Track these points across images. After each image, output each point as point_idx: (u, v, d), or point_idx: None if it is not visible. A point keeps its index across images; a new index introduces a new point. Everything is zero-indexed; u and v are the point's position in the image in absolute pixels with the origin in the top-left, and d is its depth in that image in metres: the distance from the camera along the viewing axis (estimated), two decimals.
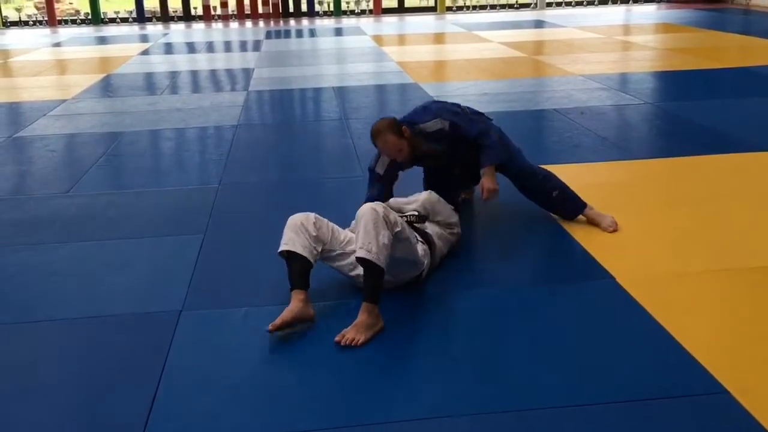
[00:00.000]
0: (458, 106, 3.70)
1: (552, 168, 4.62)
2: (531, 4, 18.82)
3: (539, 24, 14.39)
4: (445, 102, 3.80)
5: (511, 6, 18.96)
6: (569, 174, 4.49)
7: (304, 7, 17.60)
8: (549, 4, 18.56)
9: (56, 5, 17.54)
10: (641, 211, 3.86)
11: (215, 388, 2.38)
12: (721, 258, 3.26)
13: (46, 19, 17.25)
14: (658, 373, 2.39)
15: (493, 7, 18.86)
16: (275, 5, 17.24)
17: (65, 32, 15.42)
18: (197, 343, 2.66)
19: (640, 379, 2.36)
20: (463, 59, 9.66)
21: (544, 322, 2.74)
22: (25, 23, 17.46)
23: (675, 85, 7.64)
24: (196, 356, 2.57)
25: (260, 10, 17.26)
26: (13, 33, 15.73)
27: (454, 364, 2.48)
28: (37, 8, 18.60)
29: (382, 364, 2.50)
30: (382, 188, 3.53)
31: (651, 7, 17.72)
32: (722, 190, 4.14)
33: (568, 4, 18.83)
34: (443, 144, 3.52)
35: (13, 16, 17.84)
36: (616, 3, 18.90)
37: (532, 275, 3.20)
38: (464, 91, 7.25)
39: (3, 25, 17.05)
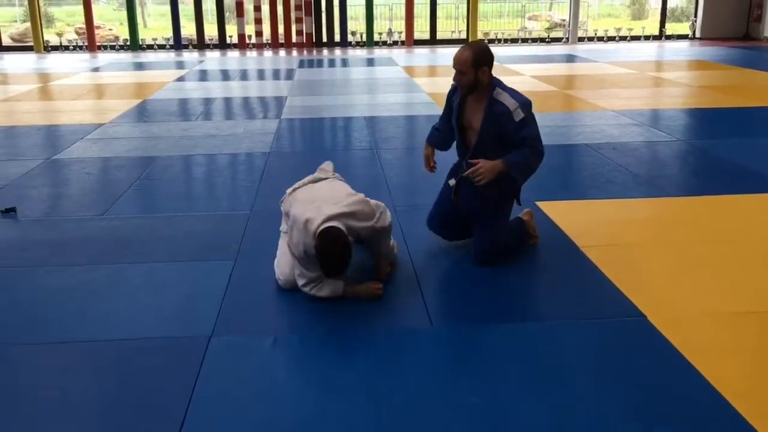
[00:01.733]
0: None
1: (583, 203, 4.64)
2: (563, 38, 18.89)
3: (571, 58, 14.42)
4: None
5: (542, 40, 19.05)
6: (601, 210, 4.48)
7: (337, 38, 17.85)
8: (581, 39, 18.61)
9: (96, 31, 18.00)
10: (673, 249, 3.81)
11: (243, 416, 2.38)
12: (756, 299, 3.21)
13: (86, 44, 17.71)
14: (690, 418, 2.35)
15: (524, 40, 18.96)
16: (309, 35, 17.51)
17: (104, 57, 15.80)
18: (226, 369, 2.68)
19: (672, 423, 2.32)
20: None
21: (572, 361, 2.71)
22: (66, 48, 17.93)
23: (708, 122, 7.58)
24: (225, 383, 2.58)
25: (294, 39, 17.55)
26: (54, 57, 16.15)
27: (479, 403, 2.46)
28: (78, 34, 19.10)
29: (413, 396, 2.49)
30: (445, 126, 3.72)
31: (683, 44, 17.67)
32: (756, 230, 4.09)
33: (600, 39, 18.86)
34: (494, 127, 3.39)
35: (54, 40, 18.34)
36: (648, 39, 18.89)
37: (560, 310, 3.16)
38: None
39: (44, 50, 17.51)
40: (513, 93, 3.42)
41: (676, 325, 2.95)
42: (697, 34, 18.51)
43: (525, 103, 3.40)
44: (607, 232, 4.09)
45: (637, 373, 2.62)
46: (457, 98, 3.56)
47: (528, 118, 3.40)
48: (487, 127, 3.43)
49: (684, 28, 19.99)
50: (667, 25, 19.20)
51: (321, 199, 3.20)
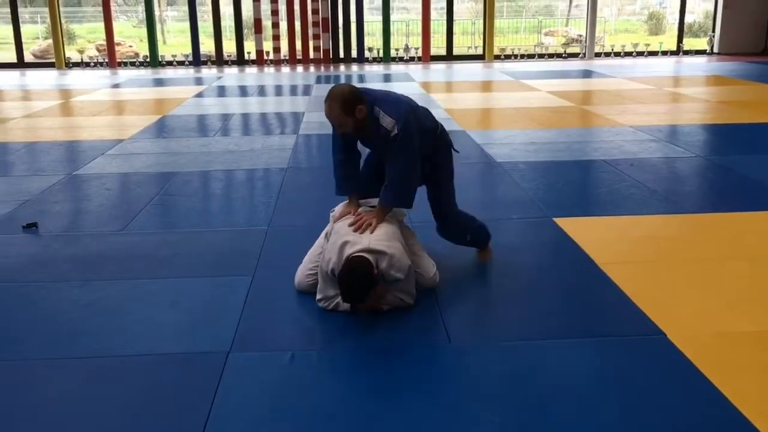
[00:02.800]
0: (436, 126, 3.54)
1: (601, 220, 4.62)
2: (579, 54, 18.88)
3: (587, 74, 14.41)
4: (429, 113, 3.57)
5: (559, 55, 19.06)
6: (619, 226, 4.46)
7: (354, 53, 17.97)
8: (598, 54, 18.59)
9: (117, 48, 18.25)
10: (692, 265, 3.79)
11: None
12: None
13: (106, 60, 17.94)
14: None
15: (541, 56, 18.98)
16: (326, 51, 17.64)
17: (124, 74, 16.00)
18: (244, 385, 2.69)
19: None
20: (510, 107, 9.71)
21: (592, 379, 2.69)
22: (87, 64, 18.17)
23: (726, 138, 7.54)
24: (243, 399, 2.59)
25: (311, 55, 17.68)
26: (75, 74, 16.37)
27: (498, 421, 2.45)
28: (99, 50, 19.37)
29: (432, 413, 2.48)
30: (347, 155, 3.50)
31: (701, 59, 17.60)
32: None
33: (617, 54, 18.83)
34: (379, 140, 3.33)
35: (75, 57, 18.59)
36: (665, 54, 18.83)
37: (579, 328, 3.14)
38: (512, 140, 7.27)
39: (66, 66, 17.77)
40: (389, 107, 3.29)
41: (695, 342, 2.93)
42: (715, 50, 18.43)
43: (399, 118, 3.26)
44: (625, 248, 4.08)
45: (657, 392, 2.60)
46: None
47: (401, 136, 3.25)
48: (380, 146, 3.42)
49: (702, 43, 19.91)
50: (685, 41, 19.13)
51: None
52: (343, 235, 3.22)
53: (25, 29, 19.18)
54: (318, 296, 3.28)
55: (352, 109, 3.22)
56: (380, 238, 3.21)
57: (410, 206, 3.45)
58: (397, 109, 3.30)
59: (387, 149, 3.33)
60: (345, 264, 3.07)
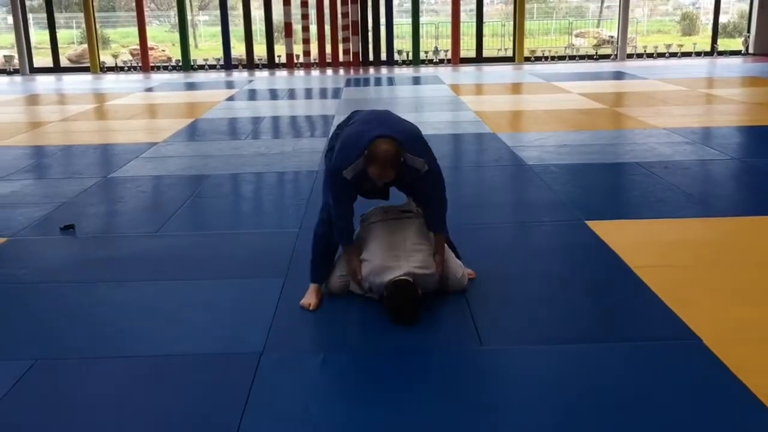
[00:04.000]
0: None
1: (634, 223, 4.57)
2: (611, 55, 18.69)
3: (619, 75, 14.26)
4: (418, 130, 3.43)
5: (590, 57, 18.90)
6: (653, 229, 4.41)
7: (383, 56, 18.01)
8: (630, 56, 18.39)
9: (150, 52, 18.52)
10: (728, 270, 3.73)
11: None
12: None
13: (140, 65, 18.22)
14: None
15: (572, 57, 18.83)
16: (355, 54, 17.71)
17: (157, 78, 16.22)
18: (277, 386, 2.71)
19: None
20: (541, 110, 9.65)
21: (626, 384, 2.66)
22: (121, 69, 18.48)
23: (763, 140, 7.40)
24: (276, 400, 2.61)
25: (341, 58, 17.76)
26: (110, 78, 16.65)
27: (532, 424, 2.44)
28: (132, 55, 19.70)
29: (464, 415, 2.48)
30: (350, 207, 3.33)
31: (736, 60, 17.33)
32: None
33: (650, 55, 18.61)
34: (404, 182, 3.31)
35: (110, 61, 18.91)
36: (699, 55, 18.57)
37: (613, 332, 3.11)
38: (543, 142, 7.22)
39: (100, 71, 18.07)
40: (413, 148, 3.20)
41: (732, 347, 2.88)
42: (751, 50, 18.12)
43: (424, 154, 3.23)
44: (659, 252, 4.03)
45: (693, 397, 2.56)
46: (366, 181, 3.25)
47: (431, 169, 3.26)
48: (407, 182, 3.35)
49: (737, 43, 19.60)
50: (719, 41, 18.84)
51: (401, 249, 3.31)
52: (381, 260, 3.28)
53: (60, 34, 19.57)
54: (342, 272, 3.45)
55: (399, 162, 3.15)
56: (419, 262, 3.28)
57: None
58: (422, 146, 3.28)
59: (417, 186, 3.35)
60: (389, 290, 3.18)
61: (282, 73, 16.97)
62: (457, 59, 18.09)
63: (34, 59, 18.66)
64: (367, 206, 3.63)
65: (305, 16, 17.69)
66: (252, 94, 12.67)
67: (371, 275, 3.28)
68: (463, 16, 18.36)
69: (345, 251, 3.42)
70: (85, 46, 18.77)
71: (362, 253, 3.39)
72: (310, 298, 3.41)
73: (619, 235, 4.28)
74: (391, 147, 3.09)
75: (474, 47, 18.49)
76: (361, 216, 3.62)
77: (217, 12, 18.60)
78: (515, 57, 18.12)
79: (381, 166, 3.09)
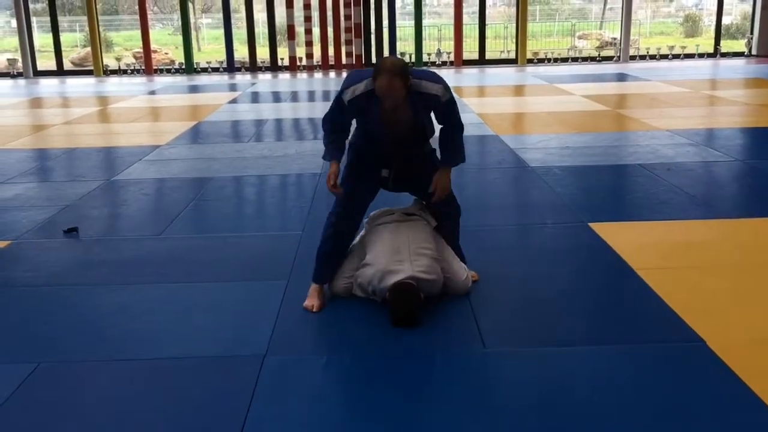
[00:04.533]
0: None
1: (637, 224, 4.57)
2: (614, 57, 18.69)
3: (622, 77, 14.25)
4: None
5: (593, 59, 18.90)
6: (656, 231, 4.40)
7: None
8: (632, 57, 18.39)
9: (153, 55, 18.56)
10: (732, 271, 3.72)
11: None
12: None
13: (143, 68, 18.26)
14: None
15: (574, 59, 18.83)
16: (358, 56, 17.72)
17: (160, 81, 16.25)
18: (280, 388, 2.71)
19: None
20: (544, 112, 9.64)
21: (629, 386, 2.66)
22: (124, 72, 18.52)
23: (766, 142, 7.39)
24: (279, 402, 2.61)
25: (344, 61, 17.77)
26: (113, 81, 16.69)
27: (535, 427, 2.43)
28: (135, 58, 19.73)
29: (466, 419, 2.48)
30: (344, 132, 3.33)
31: (739, 62, 17.31)
32: None
33: (653, 57, 18.61)
34: (419, 116, 3.23)
35: (113, 64, 18.95)
36: (702, 57, 18.56)
37: (616, 334, 3.10)
38: (546, 144, 7.22)
39: (104, 73, 18.12)
40: (426, 75, 3.20)
41: (736, 350, 2.87)
42: (754, 51, 18.10)
43: (445, 85, 3.21)
44: (663, 254, 4.02)
45: (696, 399, 2.55)
46: (373, 107, 3.19)
47: (451, 97, 3.25)
48: (418, 120, 3.28)
49: (740, 45, 19.58)
50: (722, 43, 18.82)
51: (405, 252, 3.30)
52: (385, 264, 3.27)
53: (64, 37, 19.62)
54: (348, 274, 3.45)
55: (408, 79, 3.09)
56: (423, 266, 3.27)
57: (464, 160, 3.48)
58: (438, 77, 3.25)
59: (431, 117, 3.29)
60: (392, 292, 3.17)
61: (285, 76, 16.99)
62: (459, 61, 18.09)
63: (38, 62, 18.72)
64: (373, 208, 3.63)
65: (308, 19, 17.71)
66: (255, 97, 12.68)
67: (374, 279, 3.28)
68: (465, 19, 18.37)
69: (331, 164, 3.38)
70: (89, 49, 18.82)
71: (366, 256, 3.39)
72: (313, 300, 3.41)
73: (622, 237, 4.28)
74: (399, 60, 3.12)
75: (476, 49, 18.49)
76: (367, 217, 3.62)
77: (220, 15, 18.63)
78: (518, 59, 18.12)
79: (388, 76, 3.01)
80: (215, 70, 18.40)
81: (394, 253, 3.30)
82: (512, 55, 18.64)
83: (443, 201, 3.45)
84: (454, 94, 3.38)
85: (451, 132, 3.36)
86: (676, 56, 18.57)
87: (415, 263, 3.26)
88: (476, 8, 18.45)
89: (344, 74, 16.68)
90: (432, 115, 3.34)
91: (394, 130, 3.30)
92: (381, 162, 3.44)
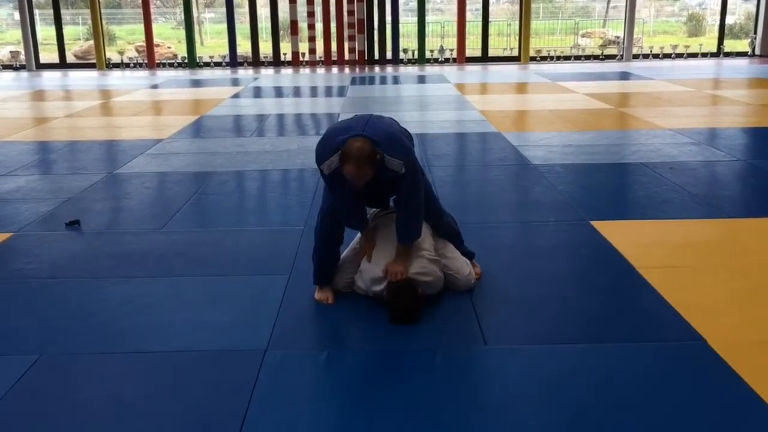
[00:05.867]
0: (410, 141, 3.35)
1: (639, 223, 4.56)
2: (617, 55, 18.67)
3: (625, 76, 14.23)
4: (404, 130, 3.38)
5: (596, 57, 18.87)
6: (658, 230, 4.40)
7: (389, 55, 18.00)
8: (636, 56, 18.36)
9: (156, 49, 18.54)
10: (734, 271, 3.72)
11: (297, 430, 2.41)
12: None
13: (145, 61, 18.25)
14: None
15: (577, 57, 18.81)
16: (361, 52, 17.71)
17: (163, 75, 16.24)
18: (281, 383, 2.71)
19: None
20: (546, 110, 9.63)
21: (630, 385, 2.66)
22: (127, 65, 18.51)
23: None
24: (280, 397, 2.61)
25: (346, 56, 17.76)
26: (115, 74, 16.68)
27: (536, 425, 2.43)
28: (138, 51, 19.71)
29: (467, 416, 2.48)
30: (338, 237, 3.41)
31: (742, 61, 17.28)
32: None
33: (656, 56, 18.58)
34: (381, 185, 3.21)
35: (115, 58, 18.95)
36: (705, 56, 18.53)
37: (617, 332, 3.10)
38: (548, 142, 7.21)
39: (106, 67, 18.10)
40: (393, 149, 3.09)
41: (737, 349, 2.87)
42: (757, 51, 18.07)
43: (405, 157, 3.12)
44: (664, 253, 4.02)
45: (697, 398, 2.56)
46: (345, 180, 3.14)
47: (408, 171, 3.14)
48: (386, 187, 3.27)
49: (743, 45, 19.55)
50: (726, 42, 18.79)
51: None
52: (382, 270, 3.27)
53: (66, 30, 19.60)
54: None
55: (376, 162, 3.05)
56: (419, 268, 3.27)
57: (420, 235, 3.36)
58: (400, 147, 3.14)
59: (395, 188, 3.24)
60: (389, 290, 3.18)
61: (287, 71, 16.97)
62: (462, 58, 18.07)
63: (41, 55, 18.71)
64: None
65: (311, 14, 17.69)
66: (257, 92, 12.67)
67: (373, 284, 3.29)
68: (468, 16, 18.34)
69: (361, 235, 3.46)
70: (91, 42, 18.80)
71: (362, 262, 3.40)
72: (325, 293, 3.42)
73: (623, 235, 4.28)
74: (365, 144, 3.01)
75: (479, 46, 18.47)
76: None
77: (223, 9, 18.61)
78: (521, 57, 18.10)
79: (355, 164, 3.00)
80: (218, 64, 18.38)
81: (389, 258, 3.29)
82: (515, 53, 18.62)
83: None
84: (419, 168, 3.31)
85: (406, 208, 3.26)
86: (679, 55, 18.55)
87: (411, 266, 3.26)
88: (479, 5, 18.42)
89: (347, 70, 16.68)
90: None
91: (367, 190, 3.26)
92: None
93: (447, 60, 18.32)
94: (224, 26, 18.65)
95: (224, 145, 7.45)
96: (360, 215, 3.38)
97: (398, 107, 10.21)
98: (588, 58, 18.82)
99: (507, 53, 19.14)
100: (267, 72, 16.78)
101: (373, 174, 3.07)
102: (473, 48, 18.60)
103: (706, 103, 10.06)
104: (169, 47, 21.19)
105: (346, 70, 16.90)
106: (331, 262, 3.48)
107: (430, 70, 16.50)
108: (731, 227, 4.49)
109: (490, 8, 18.53)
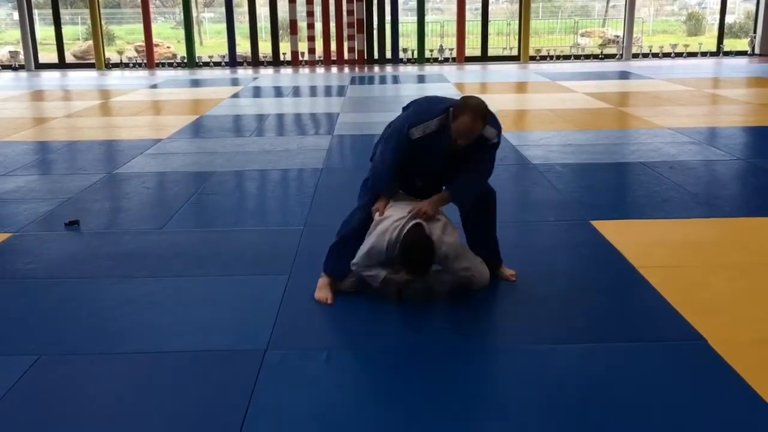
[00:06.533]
0: None
1: (639, 223, 4.56)
2: (616, 55, 18.66)
3: (625, 75, 14.23)
4: None
5: (595, 56, 18.87)
6: (658, 230, 4.40)
7: (388, 54, 17.99)
8: (635, 55, 18.36)
9: (155, 49, 18.53)
10: (734, 270, 3.72)
11: (298, 430, 2.41)
12: None
13: (145, 61, 18.23)
14: None
15: (577, 57, 18.81)
16: (360, 52, 17.70)
17: (162, 74, 16.23)
18: (281, 383, 2.71)
19: None
20: (546, 109, 9.63)
21: (630, 384, 2.66)
22: (126, 65, 18.49)
23: None
24: (280, 397, 2.61)
25: (346, 56, 17.76)
26: (115, 74, 16.67)
27: (538, 427, 2.43)
28: (137, 51, 19.70)
29: (470, 413, 2.48)
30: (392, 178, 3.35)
31: (742, 60, 17.29)
32: None
33: (655, 55, 18.58)
34: (472, 156, 3.25)
35: (115, 58, 18.93)
36: (705, 55, 18.53)
37: (617, 332, 3.10)
38: (548, 141, 7.21)
39: (105, 67, 18.09)
40: (492, 119, 3.24)
41: (737, 348, 2.87)
42: (757, 51, 18.07)
43: (499, 127, 3.28)
44: (664, 252, 4.02)
45: (698, 397, 2.55)
46: (440, 144, 3.23)
47: (498, 143, 3.30)
48: (470, 159, 3.29)
49: (743, 44, 19.55)
50: (725, 41, 18.79)
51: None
52: (394, 219, 3.23)
53: (66, 30, 19.58)
54: (356, 260, 3.29)
55: (486, 119, 3.15)
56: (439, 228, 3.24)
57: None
58: (496, 120, 3.29)
59: (474, 158, 3.27)
60: (405, 237, 3.13)
61: (287, 71, 16.96)
62: (462, 58, 18.06)
63: (40, 55, 18.69)
64: None
65: (310, 14, 17.68)
66: (257, 92, 12.67)
67: (389, 235, 3.18)
68: (468, 15, 18.33)
69: (381, 197, 3.39)
70: (91, 42, 18.79)
71: (369, 238, 3.32)
72: (326, 293, 3.39)
73: (623, 235, 4.28)
74: (483, 102, 3.14)
75: (479, 46, 18.46)
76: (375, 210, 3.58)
77: (223, 9, 18.60)
78: (520, 56, 18.10)
79: (473, 115, 3.07)
80: (217, 64, 18.38)
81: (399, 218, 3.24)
82: (515, 52, 18.61)
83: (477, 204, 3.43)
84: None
85: (478, 170, 3.33)
86: (679, 55, 18.54)
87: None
88: (479, 5, 18.42)
89: (346, 69, 16.67)
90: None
91: (444, 168, 3.34)
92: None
93: (446, 59, 18.32)
94: (223, 26, 18.64)
95: (224, 145, 7.45)
96: (393, 183, 3.38)
97: (398, 107, 10.14)
98: (587, 57, 18.81)
99: (506, 53, 19.13)
100: (266, 72, 16.77)
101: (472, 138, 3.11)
102: (473, 47, 18.60)
103: (705, 102, 10.05)
104: (168, 47, 21.18)
105: (346, 69, 16.89)
106: (351, 257, 3.40)
107: (429, 69, 16.49)
108: (731, 226, 4.49)
109: (490, 8, 18.52)
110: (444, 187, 3.43)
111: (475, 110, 3.10)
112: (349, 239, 3.43)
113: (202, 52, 19.66)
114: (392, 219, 3.24)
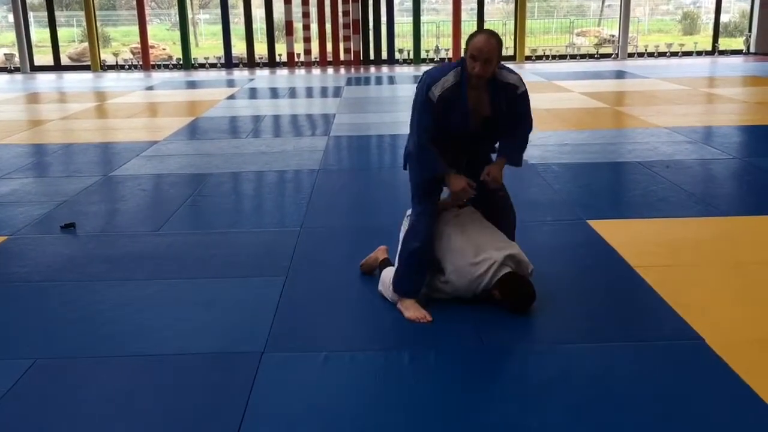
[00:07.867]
0: None
1: (636, 222, 4.56)
2: (612, 54, 18.69)
3: (620, 74, 14.25)
4: None
5: (591, 56, 18.89)
6: (654, 229, 4.40)
7: (384, 55, 18.00)
8: (631, 55, 18.38)
9: (150, 51, 18.50)
10: (731, 269, 3.72)
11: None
12: None
13: (140, 63, 18.21)
14: None
15: (572, 56, 18.82)
16: (356, 53, 17.70)
17: (158, 76, 16.21)
18: (278, 385, 2.70)
19: None
20: (542, 108, 9.63)
21: (628, 384, 2.65)
22: (122, 67, 18.46)
23: (764, 139, 7.39)
24: (277, 399, 2.60)
25: (342, 57, 17.75)
26: (110, 76, 16.64)
27: (535, 425, 2.43)
28: (133, 53, 19.69)
29: (464, 414, 2.48)
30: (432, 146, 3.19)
31: (737, 59, 17.32)
32: None
33: (651, 54, 18.61)
34: (499, 107, 3.17)
35: (110, 60, 18.90)
36: (700, 54, 18.57)
37: (614, 332, 3.10)
38: (544, 141, 7.21)
39: (101, 69, 18.06)
40: (504, 66, 3.22)
41: (734, 348, 2.87)
42: (752, 49, 18.10)
43: (520, 76, 3.27)
44: (661, 251, 4.02)
45: (695, 397, 2.55)
46: (460, 99, 3.13)
47: (526, 90, 3.26)
48: (502, 111, 3.21)
49: (738, 43, 19.58)
50: (720, 40, 18.82)
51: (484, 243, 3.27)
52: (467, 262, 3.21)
53: (61, 32, 19.54)
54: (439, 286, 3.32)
55: (501, 49, 3.11)
56: (500, 244, 3.26)
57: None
58: (509, 68, 3.25)
59: (508, 110, 3.20)
60: (511, 292, 3.18)
61: (283, 72, 16.95)
62: (458, 58, 18.06)
63: (35, 57, 18.64)
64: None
65: (306, 15, 17.67)
66: (253, 93, 12.66)
67: (477, 273, 3.19)
68: (464, 15, 18.34)
69: (447, 176, 3.23)
70: (86, 44, 18.76)
71: (447, 268, 3.29)
72: (418, 311, 3.21)
73: (620, 234, 4.28)
74: (491, 34, 3.09)
75: None
76: (407, 213, 3.56)
77: (218, 10, 18.58)
78: (516, 56, 18.11)
79: (486, 35, 3.04)
80: (213, 65, 18.36)
81: (478, 254, 3.22)
82: (510, 52, 18.61)
83: (498, 190, 3.37)
84: None
85: (521, 127, 3.30)
86: (674, 54, 18.58)
87: (500, 249, 3.23)
88: (474, 5, 18.44)
89: (342, 70, 16.67)
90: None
91: (474, 125, 3.21)
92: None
93: (443, 60, 18.32)
94: (219, 27, 18.62)
95: (220, 147, 7.43)
96: (439, 156, 3.21)
97: (394, 108, 10.20)
98: (583, 57, 18.83)
99: (502, 52, 19.13)
100: (262, 73, 16.76)
101: (492, 71, 3.06)
102: None
103: (701, 101, 10.07)
104: (164, 49, 21.15)
105: (342, 70, 16.89)
106: (424, 270, 3.30)
107: (425, 70, 16.49)
108: (727, 225, 4.49)
109: (486, 8, 18.53)
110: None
111: (486, 31, 3.10)
112: (422, 254, 3.29)
113: (197, 54, 19.64)
114: (466, 236, 3.26)
